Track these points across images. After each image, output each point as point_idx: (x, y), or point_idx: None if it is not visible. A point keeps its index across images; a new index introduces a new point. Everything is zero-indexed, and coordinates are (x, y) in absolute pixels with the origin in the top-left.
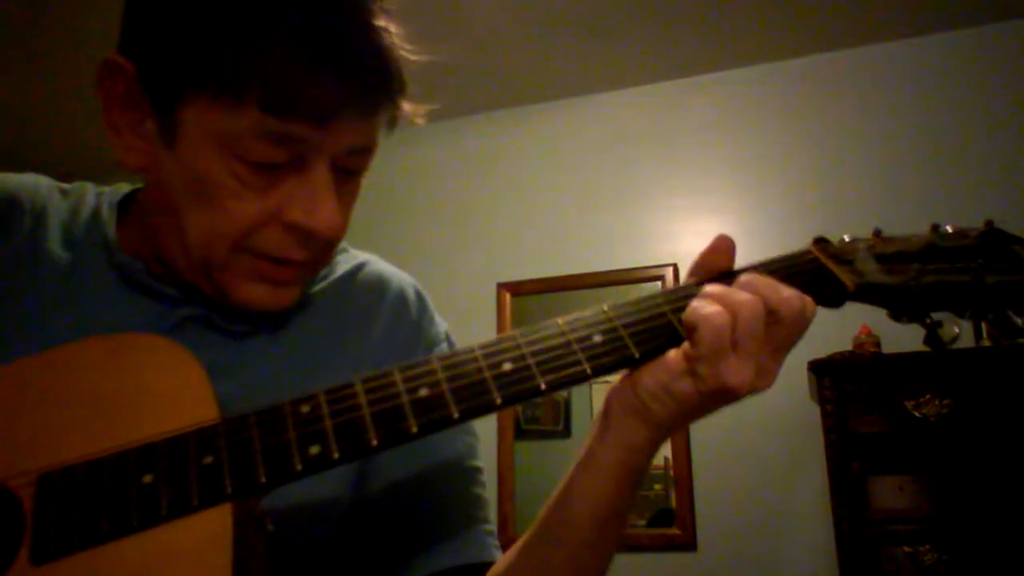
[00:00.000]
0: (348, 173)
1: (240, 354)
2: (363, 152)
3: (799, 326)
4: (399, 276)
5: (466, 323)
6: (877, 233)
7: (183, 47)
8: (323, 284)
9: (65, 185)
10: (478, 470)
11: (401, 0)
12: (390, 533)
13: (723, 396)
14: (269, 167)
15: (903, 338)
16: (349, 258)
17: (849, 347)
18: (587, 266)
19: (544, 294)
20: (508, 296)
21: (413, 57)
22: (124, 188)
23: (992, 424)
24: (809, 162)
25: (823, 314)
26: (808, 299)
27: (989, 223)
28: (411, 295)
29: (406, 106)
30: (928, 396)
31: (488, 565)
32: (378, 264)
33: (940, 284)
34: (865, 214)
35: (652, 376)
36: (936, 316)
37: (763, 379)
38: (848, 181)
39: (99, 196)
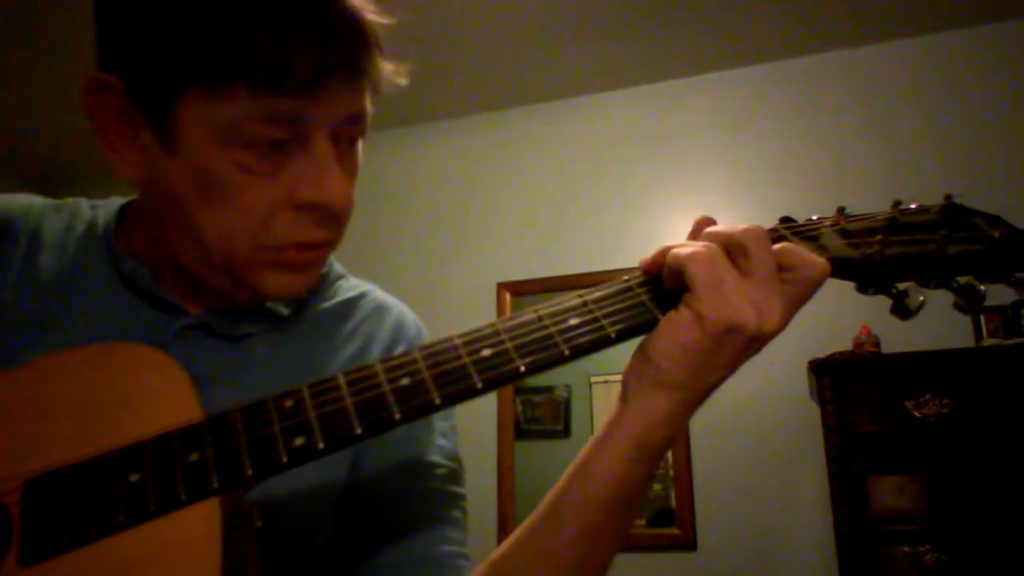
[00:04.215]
0: (348, 143)
1: (241, 361)
2: (358, 119)
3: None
4: (399, 305)
5: (466, 323)
6: (841, 211)
7: (164, 49)
8: (326, 304)
9: (58, 201)
10: (459, 496)
11: (401, 1)
12: (363, 542)
13: (731, 336)
14: (272, 151)
15: (903, 338)
16: (352, 285)
17: (849, 347)
18: (587, 266)
19: (544, 294)
20: (508, 296)
21: (383, 20)
22: (117, 200)
23: (992, 424)
24: (809, 162)
25: (823, 314)
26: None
27: (948, 198)
28: (409, 322)
29: (387, 66)
30: (928, 396)
31: None
32: (379, 293)
33: (904, 255)
34: (864, 212)
35: (660, 335)
36: (902, 286)
37: (767, 318)
38: (848, 181)
39: (94, 209)
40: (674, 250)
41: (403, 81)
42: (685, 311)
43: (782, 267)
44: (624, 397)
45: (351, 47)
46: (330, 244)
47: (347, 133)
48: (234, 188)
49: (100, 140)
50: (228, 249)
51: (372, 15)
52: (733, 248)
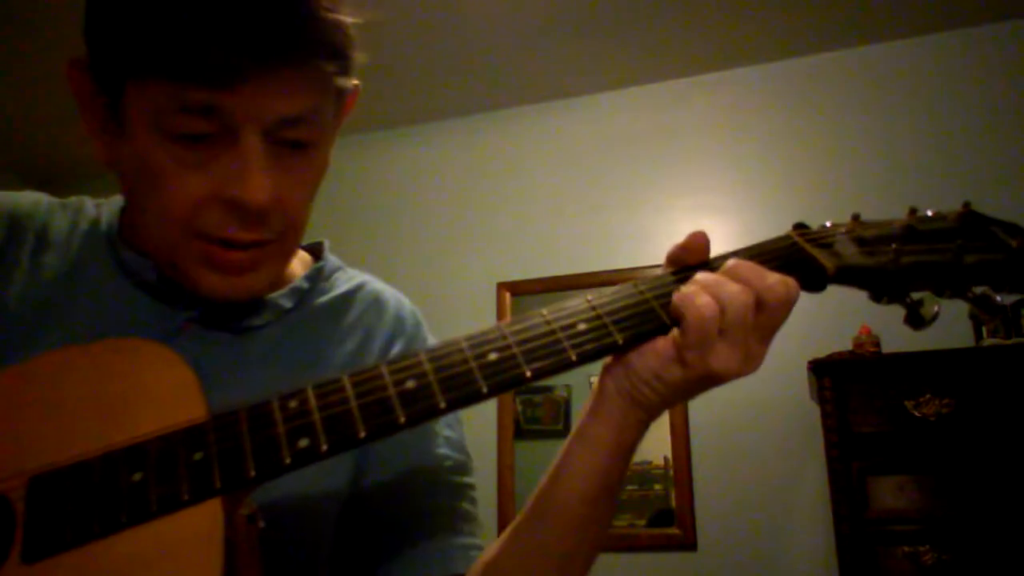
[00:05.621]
0: (292, 147)
1: (245, 354)
2: (297, 122)
3: (784, 311)
4: (396, 295)
5: (466, 323)
6: (856, 218)
7: (110, 36)
8: (324, 299)
9: (64, 200)
10: (469, 487)
11: (401, 2)
12: (374, 539)
13: (710, 381)
14: (199, 142)
15: (903, 338)
16: (348, 277)
17: (849, 347)
18: (587, 266)
19: (544, 294)
20: (508, 296)
21: (343, 18)
22: (121, 198)
23: (992, 424)
24: (809, 162)
25: (823, 314)
26: (792, 283)
27: (967, 205)
28: (407, 313)
29: (333, 67)
30: (928, 396)
31: None
32: (376, 284)
33: (919, 264)
34: (865, 213)
35: (642, 362)
36: (916, 296)
37: (750, 363)
38: (848, 181)
39: (98, 207)
40: (683, 290)
41: (353, 84)
42: (671, 348)
43: (758, 309)
44: (600, 396)
45: (282, 43)
46: (268, 248)
47: (286, 135)
48: (166, 176)
49: (82, 119)
50: (161, 232)
51: (329, 14)
52: (728, 306)
